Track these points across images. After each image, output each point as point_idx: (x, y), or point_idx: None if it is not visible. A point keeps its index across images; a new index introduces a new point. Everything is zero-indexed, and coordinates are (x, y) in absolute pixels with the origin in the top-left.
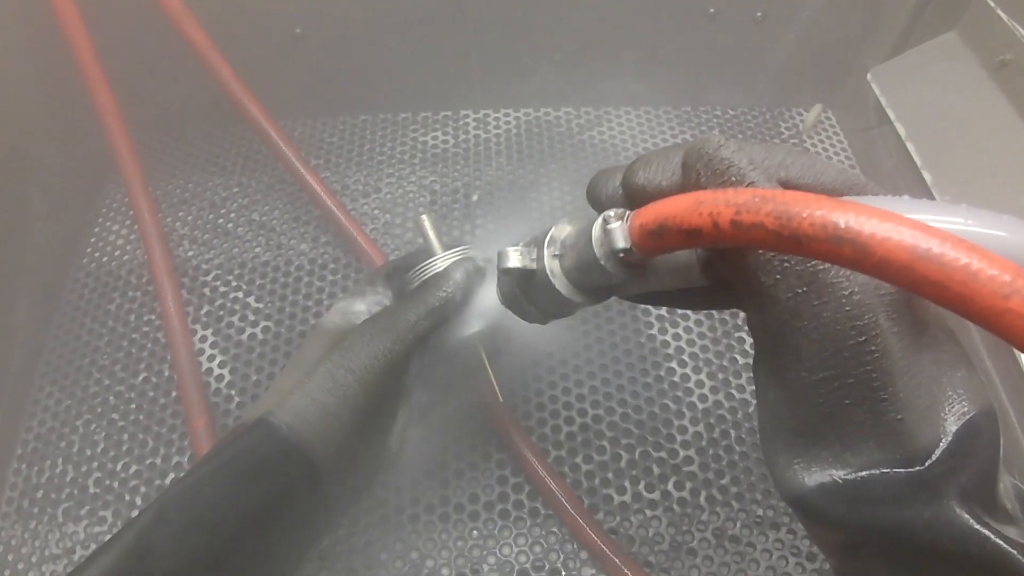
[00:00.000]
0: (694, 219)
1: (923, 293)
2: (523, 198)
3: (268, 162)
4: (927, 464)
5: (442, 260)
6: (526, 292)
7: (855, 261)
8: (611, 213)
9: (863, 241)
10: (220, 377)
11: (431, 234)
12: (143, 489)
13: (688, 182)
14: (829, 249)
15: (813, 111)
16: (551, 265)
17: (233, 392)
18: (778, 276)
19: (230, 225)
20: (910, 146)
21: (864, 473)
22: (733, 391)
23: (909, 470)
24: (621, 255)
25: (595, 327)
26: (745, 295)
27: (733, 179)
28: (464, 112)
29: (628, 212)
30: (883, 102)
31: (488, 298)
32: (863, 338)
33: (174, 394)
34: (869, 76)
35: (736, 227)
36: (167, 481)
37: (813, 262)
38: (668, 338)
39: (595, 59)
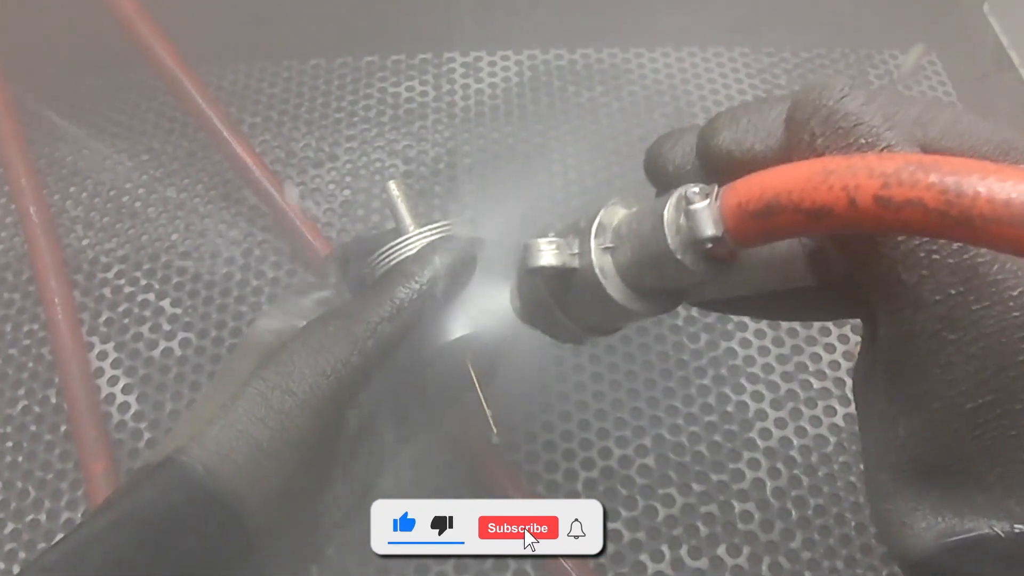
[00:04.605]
0: (820, 194)
1: None
2: (527, 168)
3: (189, 122)
4: None
5: (415, 240)
6: (560, 300)
7: None
8: (694, 189)
9: None
10: (125, 406)
11: (401, 206)
12: (22, 554)
13: (796, 145)
14: (1013, 235)
15: (912, 53)
16: (601, 262)
17: (142, 426)
18: (925, 272)
19: (138, 204)
20: None
21: None
22: (805, 424)
23: None
24: (708, 245)
25: (622, 340)
26: (876, 298)
27: (863, 142)
28: (448, 55)
29: (717, 187)
30: (1004, 42)
31: (480, 293)
32: None
33: (63, 428)
34: (986, 7)
35: (882, 205)
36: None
37: (971, 254)
38: (719, 354)
39: None
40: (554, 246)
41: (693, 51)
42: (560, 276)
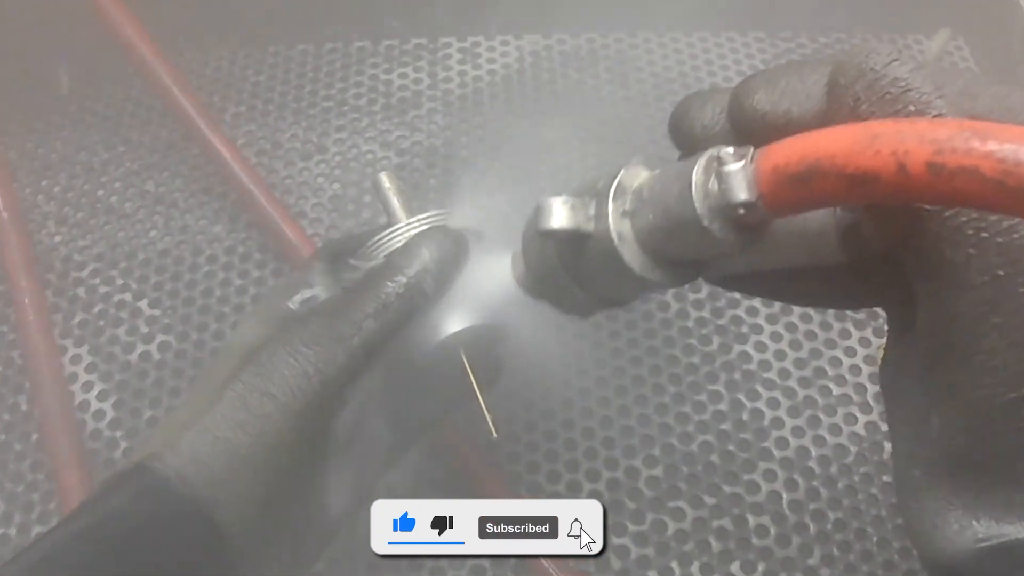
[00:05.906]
0: (867, 160)
1: None
2: (527, 160)
3: (168, 112)
4: None
5: (403, 231)
6: (571, 266)
7: None
8: (727, 149)
9: None
10: (100, 413)
11: (393, 200)
12: None
13: (838, 110)
14: None
15: (937, 39)
16: (619, 226)
17: (118, 434)
18: (972, 250)
19: (114, 199)
20: None
21: None
22: (824, 433)
23: None
24: (740, 212)
25: (629, 343)
26: (916, 277)
27: (912, 109)
28: (444, 40)
29: (753, 149)
30: None
31: (476, 286)
32: None
33: (35, 437)
34: None
35: (934, 172)
36: None
37: (1021, 233)
38: (732, 358)
39: None
40: (569, 207)
41: (704, 36)
42: (573, 240)
